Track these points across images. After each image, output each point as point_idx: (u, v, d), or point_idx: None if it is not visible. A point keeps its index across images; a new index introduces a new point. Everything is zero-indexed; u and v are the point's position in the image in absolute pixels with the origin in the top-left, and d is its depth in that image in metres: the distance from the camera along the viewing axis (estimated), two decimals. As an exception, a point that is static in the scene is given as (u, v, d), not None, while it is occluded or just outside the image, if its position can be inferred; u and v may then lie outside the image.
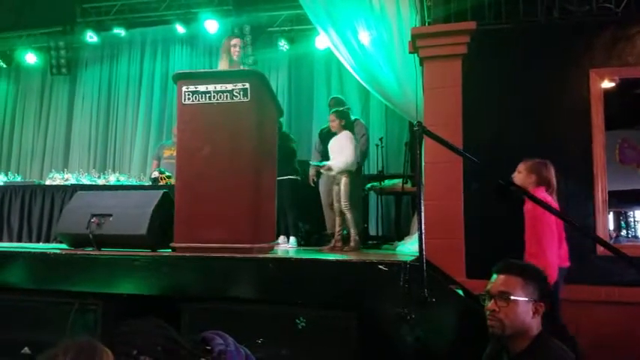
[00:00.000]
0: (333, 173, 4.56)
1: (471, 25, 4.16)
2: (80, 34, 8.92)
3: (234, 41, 4.43)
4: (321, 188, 5.59)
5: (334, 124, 4.67)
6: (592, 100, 4.12)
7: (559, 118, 4.20)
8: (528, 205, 3.27)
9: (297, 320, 2.64)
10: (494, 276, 2.04)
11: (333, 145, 4.65)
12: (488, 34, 4.24)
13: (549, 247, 3.10)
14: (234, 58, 4.39)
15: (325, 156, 4.93)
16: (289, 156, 5.52)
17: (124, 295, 2.97)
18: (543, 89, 4.23)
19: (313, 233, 6.05)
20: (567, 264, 3.29)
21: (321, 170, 4.88)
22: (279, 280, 2.78)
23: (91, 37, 8.77)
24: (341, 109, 4.96)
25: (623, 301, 3.79)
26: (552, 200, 3.31)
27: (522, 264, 2.09)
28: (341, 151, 4.50)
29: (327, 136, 5.12)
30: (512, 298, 1.94)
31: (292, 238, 5.38)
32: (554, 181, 3.42)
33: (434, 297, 2.46)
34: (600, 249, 3.88)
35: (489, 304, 2.00)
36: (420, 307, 2.46)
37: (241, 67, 4.56)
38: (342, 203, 4.44)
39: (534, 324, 1.95)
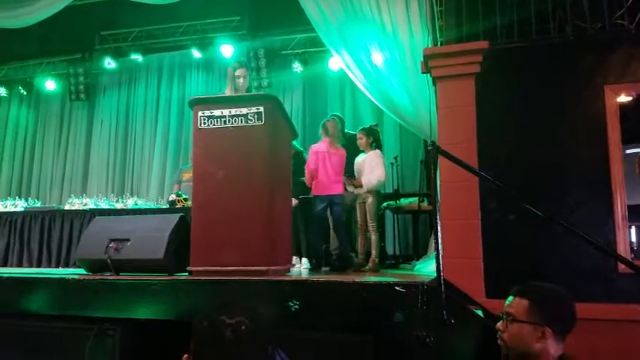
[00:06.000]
0: (362, 191, 4.51)
1: (484, 44, 4.16)
2: (98, 60, 9.16)
3: (239, 72, 4.24)
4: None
5: (362, 142, 4.64)
6: (608, 116, 4.06)
7: (575, 135, 4.15)
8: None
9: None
10: (510, 298, 2.05)
11: (362, 163, 4.59)
12: (501, 52, 4.23)
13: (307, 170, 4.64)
14: (240, 87, 4.23)
15: None
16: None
17: (142, 319, 2.98)
18: (558, 107, 4.19)
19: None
20: (332, 192, 4.48)
21: (352, 184, 4.72)
22: (295, 302, 2.76)
23: (109, 63, 8.98)
24: (368, 126, 4.91)
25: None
26: (326, 143, 4.75)
27: (535, 287, 2.03)
28: (372, 170, 4.45)
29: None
30: (516, 320, 1.96)
31: (304, 260, 5.17)
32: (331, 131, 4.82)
33: (453, 319, 2.41)
34: (621, 266, 3.79)
35: (499, 324, 2.05)
36: (439, 330, 2.42)
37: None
38: (370, 224, 4.40)
39: (547, 349, 1.90)
